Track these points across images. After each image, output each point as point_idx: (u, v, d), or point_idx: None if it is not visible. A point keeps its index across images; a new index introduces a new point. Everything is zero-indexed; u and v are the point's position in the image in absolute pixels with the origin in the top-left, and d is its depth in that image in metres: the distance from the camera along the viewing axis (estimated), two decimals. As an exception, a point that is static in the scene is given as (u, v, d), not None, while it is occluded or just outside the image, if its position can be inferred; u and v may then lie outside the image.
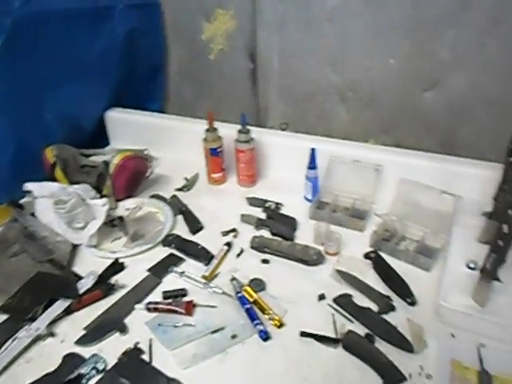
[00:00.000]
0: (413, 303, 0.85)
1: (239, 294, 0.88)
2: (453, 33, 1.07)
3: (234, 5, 1.31)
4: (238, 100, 1.45)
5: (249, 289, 0.89)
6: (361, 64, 1.21)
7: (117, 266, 1.00)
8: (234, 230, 1.08)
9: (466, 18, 1.04)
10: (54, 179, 1.20)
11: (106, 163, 1.22)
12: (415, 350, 0.76)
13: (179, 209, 1.18)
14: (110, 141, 1.58)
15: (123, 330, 0.84)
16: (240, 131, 1.20)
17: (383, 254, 0.97)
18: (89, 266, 1.00)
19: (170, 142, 1.44)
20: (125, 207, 1.21)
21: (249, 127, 1.22)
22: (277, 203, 1.17)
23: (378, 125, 1.28)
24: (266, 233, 1.07)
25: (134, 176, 1.24)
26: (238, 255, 1.01)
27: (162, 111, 1.59)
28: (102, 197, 1.14)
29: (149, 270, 0.99)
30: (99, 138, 1.55)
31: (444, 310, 0.80)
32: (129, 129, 1.50)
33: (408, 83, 1.18)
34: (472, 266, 0.85)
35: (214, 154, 1.24)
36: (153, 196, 1.26)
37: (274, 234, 1.05)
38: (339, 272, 0.92)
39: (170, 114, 1.57)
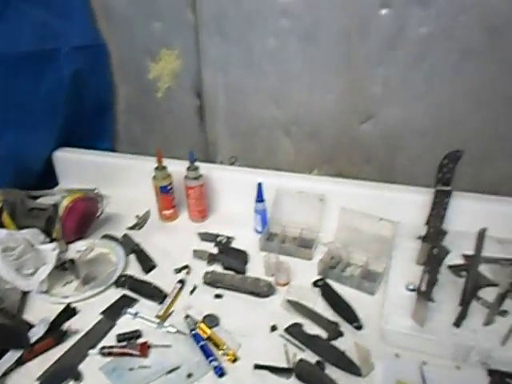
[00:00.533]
0: (359, 327, 0.89)
1: (193, 332, 0.89)
2: (382, 70, 1.16)
3: (179, 45, 1.35)
4: (187, 136, 1.49)
5: (203, 325, 0.90)
6: (301, 99, 1.28)
7: (69, 312, 0.99)
8: (186, 267, 1.10)
9: (393, 56, 1.13)
10: (0, 225, 1.17)
11: (55, 206, 1.21)
12: (363, 373, 0.80)
13: (131, 248, 1.18)
14: (59, 181, 1.57)
15: (78, 377, 0.83)
16: (189, 168, 1.23)
17: (330, 281, 1.01)
18: (40, 312, 0.98)
19: (120, 180, 1.45)
20: (76, 249, 1.19)
21: (198, 163, 1.26)
22: (228, 237, 1.20)
23: (320, 156, 1.35)
24: (218, 267, 1.10)
25: (84, 217, 1.24)
26: (192, 292, 1.03)
27: (111, 149, 1.60)
28: (51, 240, 1.13)
29: (102, 312, 0.98)
30: (48, 178, 1.53)
31: (387, 332, 0.85)
32: (78, 168, 1.50)
33: (345, 116, 1.26)
34: (411, 287, 0.91)
35: (164, 191, 1.26)
36: (104, 236, 1.25)
37: (226, 268, 1.08)
38: (289, 302, 0.96)
39: (120, 152, 1.58)
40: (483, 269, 0.97)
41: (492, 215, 1.08)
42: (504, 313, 0.85)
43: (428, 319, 0.85)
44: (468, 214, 1.06)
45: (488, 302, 0.87)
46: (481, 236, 0.75)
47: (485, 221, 1.06)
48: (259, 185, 1.15)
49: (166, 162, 1.28)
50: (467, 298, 0.80)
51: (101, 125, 1.58)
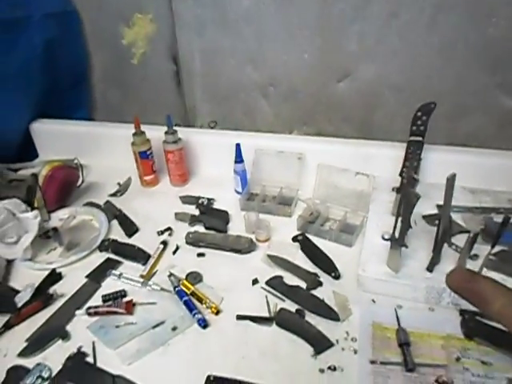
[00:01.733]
0: (337, 277, 0.93)
1: (177, 288, 0.92)
2: (357, 27, 1.16)
3: (152, 9, 1.33)
4: (165, 102, 1.48)
5: (186, 282, 0.93)
6: (278, 60, 1.27)
7: (54, 276, 1.00)
8: (169, 229, 1.11)
9: (368, 13, 1.13)
10: (-21, 197, 1.17)
11: (35, 175, 1.20)
12: (341, 318, 0.83)
13: (113, 214, 1.19)
14: (39, 153, 1.55)
15: (65, 336, 0.85)
16: (167, 132, 1.23)
17: (310, 236, 1.04)
18: (26, 279, 0.99)
19: (99, 148, 1.44)
20: (58, 218, 1.21)
21: (176, 128, 1.25)
22: (209, 199, 1.21)
23: (299, 117, 1.35)
24: (200, 228, 1.11)
25: (65, 186, 1.24)
26: (174, 252, 1.05)
27: (88, 119, 1.58)
28: (33, 210, 1.13)
29: (87, 276, 1.00)
30: (27, 150, 1.52)
31: (363, 278, 0.88)
32: (57, 139, 1.49)
33: (322, 76, 1.26)
34: (386, 236, 0.94)
35: (144, 157, 1.26)
36: (86, 204, 1.26)
37: (207, 228, 1.10)
38: (270, 256, 0.98)
39: (98, 121, 1.57)
40: (456, 217, 1.01)
41: (465, 166, 1.10)
42: (475, 257, 0.89)
43: (402, 266, 0.88)
44: (442, 166, 1.07)
45: (460, 247, 0.90)
46: (450, 181, 0.78)
47: (458, 172, 1.09)
48: (237, 146, 1.16)
49: (144, 128, 1.28)
50: (439, 242, 0.83)
51: (77, 94, 1.55)
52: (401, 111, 1.25)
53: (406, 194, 0.77)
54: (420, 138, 0.91)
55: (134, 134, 1.25)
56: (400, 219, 0.82)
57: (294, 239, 1.03)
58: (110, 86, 1.55)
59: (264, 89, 1.34)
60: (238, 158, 1.17)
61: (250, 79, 1.34)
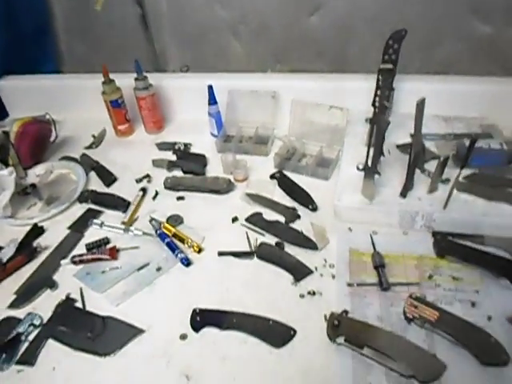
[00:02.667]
0: (315, 209, 0.95)
1: (159, 231, 0.93)
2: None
3: None
4: (134, 48, 1.42)
5: (167, 225, 0.94)
6: (246, -4, 1.23)
7: (36, 230, 1.01)
8: (147, 176, 1.12)
9: None
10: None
11: (6, 133, 1.18)
12: (319, 247, 0.86)
13: (91, 166, 1.18)
14: (9, 112, 1.51)
15: (53, 285, 0.87)
16: (137, 79, 1.20)
17: (287, 173, 1.05)
18: (8, 236, 1.00)
19: (71, 102, 1.41)
20: (35, 174, 1.19)
21: (147, 74, 1.22)
22: (185, 144, 1.21)
23: (272, 55, 1.32)
24: (178, 173, 1.12)
25: (38, 141, 1.22)
26: (154, 197, 1.05)
27: (57, 72, 1.53)
28: (7, 167, 1.12)
29: (69, 227, 1.01)
30: (-4, 110, 1.47)
31: (339, 208, 0.91)
32: (26, 96, 1.44)
33: (293, 10, 1.22)
34: (360, 167, 0.95)
35: (116, 105, 1.24)
36: (62, 158, 1.24)
37: (185, 173, 1.10)
38: (248, 195, 1.00)
39: (67, 74, 1.52)
40: (429, 145, 1.03)
41: (439, 94, 1.11)
42: (447, 181, 0.91)
43: (377, 193, 0.90)
44: (416, 95, 1.07)
45: (433, 173, 0.92)
46: (420, 106, 0.78)
47: (432, 100, 1.09)
48: (209, 87, 1.14)
49: (114, 76, 1.25)
50: (411, 167, 0.84)
51: (42, 47, 1.48)
52: (375, 43, 1.21)
53: (377, 122, 0.78)
54: (390, 66, 0.90)
55: (104, 83, 1.22)
56: (372, 148, 0.83)
57: (272, 177, 1.04)
58: (75, 37, 1.48)
59: (234, 28, 1.30)
60: (211, 100, 1.16)
61: (219, 18, 1.29)
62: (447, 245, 0.83)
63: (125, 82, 1.25)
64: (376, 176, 0.87)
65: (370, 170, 0.85)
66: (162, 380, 0.69)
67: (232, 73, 1.31)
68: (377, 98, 0.93)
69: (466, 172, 0.92)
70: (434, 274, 0.79)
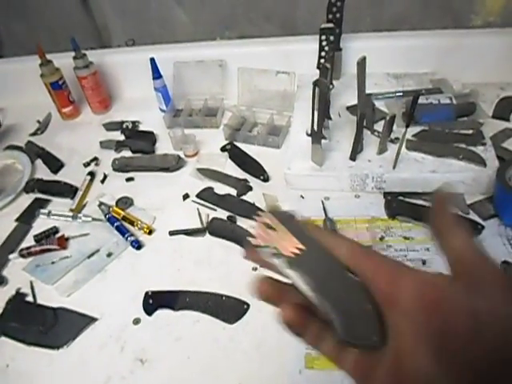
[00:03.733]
0: (266, 179, 0.93)
1: (108, 216, 0.90)
2: None
3: None
4: (74, 25, 1.34)
5: (116, 208, 0.91)
6: (184, -41, 1.16)
7: (-18, 226, 0.97)
8: (95, 159, 1.07)
9: None
10: None
11: None
12: (271, 218, 0.85)
13: (36, 153, 1.13)
14: None
15: (2, 281, 0.84)
16: (75, 57, 1.14)
17: (238, 144, 1.02)
18: (-48, 233, 0.96)
19: (11, 88, 1.33)
20: (-22, 166, 1.14)
21: (86, 51, 1.16)
22: (133, 122, 1.16)
23: (219, 22, 1.26)
24: (127, 153, 1.08)
25: (-23, 131, 1.15)
26: (103, 181, 1.02)
27: (-5, 56, 1.44)
28: None
29: (16, 219, 0.97)
30: None
31: (290, 176, 0.89)
32: (-37, 84, 1.36)
33: (236, -29, 1.17)
34: (309, 132, 0.93)
35: (57, 87, 1.18)
36: (7, 148, 1.18)
37: (134, 152, 1.06)
38: (199, 170, 0.97)
39: (5, 58, 1.43)
40: (379, 104, 1.01)
41: (388, 52, 1.09)
42: (396, 140, 0.89)
43: (327, 159, 0.88)
44: (366, 54, 1.05)
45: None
46: (361, 65, 0.76)
47: (382, 58, 1.07)
48: (152, 60, 1.09)
49: (52, 57, 1.18)
50: (358, 129, 0.83)
51: (-25, 30, 1.40)
52: (323, 3, 1.18)
53: (318, 84, 0.75)
54: (331, 25, 0.87)
55: (41, 65, 1.15)
56: (317, 112, 0.81)
57: (223, 149, 1.01)
58: (11, 17, 1.39)
59: (176, -6, 1.23)
60: (156, 74, 1.10)
61: (159, -15, 1.22)
62: (398, 205, 0.83)
63: (65, 61, 1.18)
64: (324, 141, 0.85)
65: (317, 135, 0.83)
66: (117, 366, 0.68)
67: (178, 43, 1.25)
68: (321, 61, 0.90)
69: (416, 129, 0.91)
70: (385, 236, 0.79)
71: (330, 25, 0.87)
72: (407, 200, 0.84)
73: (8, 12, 1.38)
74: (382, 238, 0.78)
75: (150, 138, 1.09)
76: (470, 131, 0.89)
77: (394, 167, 0.84)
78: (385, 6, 1.15)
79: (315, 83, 0.76)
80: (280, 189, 0.91)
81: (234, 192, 0.92)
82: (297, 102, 1.03)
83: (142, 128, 1.15)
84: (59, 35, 1.37)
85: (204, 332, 0.70)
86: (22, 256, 0.88)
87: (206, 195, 0.91)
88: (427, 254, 0.75)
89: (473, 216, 0.80)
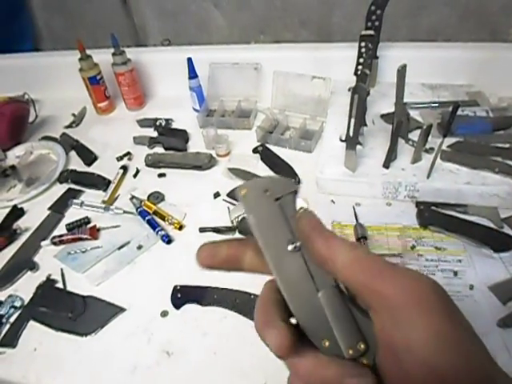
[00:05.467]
0: (297, 182, 0.93)
1: (139, 209, 0.91)
2: None
3: None
4: (113, 24, 1.38)
5: (148, 202, 0.93)
6: (226, -36, 1.18)
7: (16, 212, 0.99)
8: (128, 154, 1.09)
9: None
10: None
11: (-18, 114, 1.15)
12: (301, 220, 0.85)
13: (71, 145, 1.16)
14: (-13, 93, 1.47)
15: (33, 267, 0.86)
16: (114, 54, 1.16)
17: (270, 146, 1.03)
18: (-12, 218, 0.98)
19: (49, 81, 1.37)
20: (15, 155, 1.17)
21: (125, 48, 1.18)
22: (167, 119, 1.18)
23: (255, 26, 1.28)
24: (159, 149, 1.09)
25: (15, 121, 1.19)
26: (135, 175, 1.03)
27: (35, 50, 1.48)
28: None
29: (49, 208, 0.99)
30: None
31: (322, 181, 0.89)
32: (3, 75, 1.40)
33: (275, -23, 1.18)
34: (343, 138, 0.93)
35: (94, 82, 1.20)
36: (42, 138, 1.22)
37: (166, 149, 1.08)
38: (230, 169, 0.98)
39: (44, 52, 1.47)
40: (414, 114, 1.00)
41: (425, 62, 1.09)
42: (431, 150, 0.89)
43: (360, 165, 0.88)
44: (402, 63, 1.06)
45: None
46: (401, 72, 0.75)
47: (418, 68, 1.07)
48: (189, 60, 1.11)
49: (92, 52, 1.21)
50: (393, 137, 0.82)
51: (18, 25, 1.44)
52: (359, 10, 1.18)
53: (357, 90, 0.75)
54: (371, 32, 0.87)
55: (81, 60, 1.18)
56: (354, 118, 0.81)
57: (254, 150, 1.02)
58: (52, 13, 1.44)
59: (214, -2, 1.25)
60: (191, 74, 1.12)
61: (199, -12, 1.25)
62: (430, 215, 0.82)
63: (103, 57, 1.21)
64: (358, 147, 0.85)
65: (352, 141, 0.83)
66: (143, 357, 0.69)
67: (214, 45, 1.27)
68: (359, 67, 0.90)
69: (451, 141, 0.90)
70: (416, 245, 0.78)
71: (371, 32, 0.88)
72: (440, 210, 0.83)
73: (48, 8, 1.43)
74: (413, 247, 0.78)
75: (182, 135, 1.10)
76: (507, 145, 0.87)
77: (428, 177, 0.84)
78: (421, 16, 1.15)
79: (354, 89, 0.76)
80: (311, 192, 0.91)
81: (264, 193, 0.92)
82: (330, 107, 1.04)
83: (174, 126, 1.17)
84: (98, 33, 1.40)
85: (231, 329, 0.70)
86: (54, 244, 0.90)
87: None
88: (459, 266, 0.74)
89: (507, 230, 0.79)
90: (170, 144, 1.07)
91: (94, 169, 1.08)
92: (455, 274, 0.73)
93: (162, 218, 0.89)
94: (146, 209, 0.91)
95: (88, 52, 1.21)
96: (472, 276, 0.72)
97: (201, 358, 0.67)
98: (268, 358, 0.64)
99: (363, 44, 0.88)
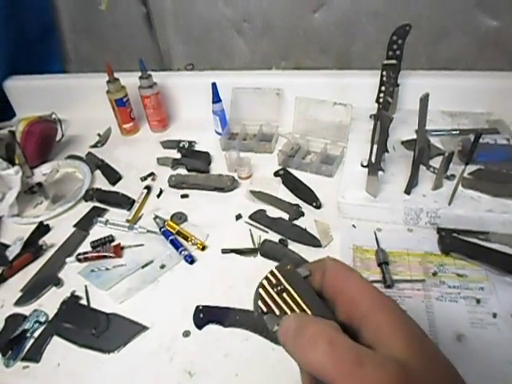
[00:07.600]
0: (318, 206, 0.94)
1: (163, 229, 0.93)
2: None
3: None
4: (138, 48, 1.43)
5: (171, 222, 0.94)
6: (250, -6, 1.23)
7: (42, 228, 1.01)
8: (152, 174, 1.12)
9: None
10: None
11: (12, 132, 1.19)
12: (323, 244, 0.86)
13: (96, 164, 1.19)
14: (16, 111, 1.52)
15: (58, 283, 0.87)
16: (141, 77, 1.21)
17: (291, 170, 1.05)
18: (15, 234, 1.01)
19: (76, 101, 1.42)
20: (41, 173, 1.20)
21: (151, 72, 1.23)
22: (190, 142, 1.21)
23: (276, 52, 1.32)
24: (182, 170, 1.12)
25: (43, 140, 1.23)
26: (158, 195, 1.06)
27: (63, 71, 1.54)
28: (14, 166, 1.13)
29: (75, 225, 1.01)
30: (3, 110, 1.49)
31: (343, 205, 0.90)
32: (32, 95, 1.45)
33: (297, 6, 1.22)
34: (364, 163, 0.94)
35: (121, 104, 1.24)
36: (68, 157, 1.25)
37: (189, 170, 1.10)
38: (252, 192, 0.99)
39: (72, 73, 1.53)
40: (435, 141, 1.02)
41: (444, 90, 1.10)
42: (452, 177, 0.90)
43: (381, 190, 0.89)
44: (422, 91, 1.06)
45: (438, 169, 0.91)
46: (424, 101, 0.77)
47: (438, 96, 1.08)
48: (213, 85, 1.14)
49: (119, 75, 1.26)
50: (415, 163, 0.84)
51: (47, 47, 1.50)
52: (379, 39, 1.21)
53: (380, 118, 0.77)
54: (394, 61, 0.90)
55: (108, 82, 1.22)
56: (376, 144, 0.83)
57: (276, 174, 1.04)
58: (80, 36, 1.49)
59: (238, 25, 1.29)
60: (215, 98, 1.16)
61: (222, 16, 1.29)
62: (452, 241, 0.82)
63: (129, 80, 1.26)
64: (380, 172, 0.86)
65: (374, 167, 0.84)
66: (165, 377, 0.69)
67: (236, 70, 1.31)
68: (381, 94, 0.92)
69: (472, 168, 0.91)
70: (438, 271, 0.78)
71: (393, 61, 0.90)
72: (461, 237, 0.83)
73: (77, 31, 1.49)
74: (435, 274, 0.78)
75: (205, 158, 1.13)
76: (529, 173, 0.88)
77: (450, 203, 0.84)
78: (441, 45, 1.17)
79: (377, 117, 0.78)
80: (332, 217, 0.92)
81: (285, 216, 0.93)
82: (351, 133, 1.06)
83: (197, 148, 1.20)
84: (123, 56, 1.45)
85: (253, 351, 0.71)
86: (79, 260, 0.92)
87: (259, 217, 0.93)
88: (481, 293, 0.74)
89: (529, 259, 0.78)
90: (192, 166, 1.10)
91: (118, 188, 1.10)
92: (478, 301, 0.73)
93: (185, 238, 0.91)
94: (169, 229, 0.93)
95: (115, 75, 1.25)
96: (495, 304, 0.72)
97: (223, 379, 0.68)
98: (289, 383, 0.65)
99: (385, 73, 0.90)
